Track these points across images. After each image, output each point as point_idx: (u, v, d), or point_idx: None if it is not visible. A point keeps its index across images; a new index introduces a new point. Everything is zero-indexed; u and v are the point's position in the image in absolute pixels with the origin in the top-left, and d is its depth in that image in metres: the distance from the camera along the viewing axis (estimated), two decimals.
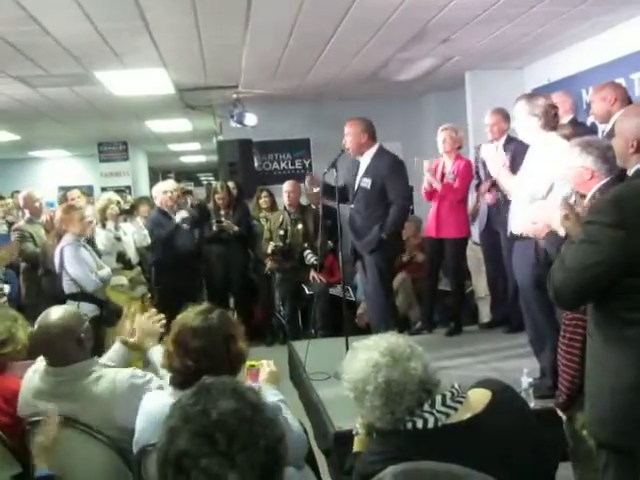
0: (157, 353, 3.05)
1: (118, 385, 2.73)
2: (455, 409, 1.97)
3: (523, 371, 4.14)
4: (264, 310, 8.15)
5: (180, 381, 2.41)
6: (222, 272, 7.72)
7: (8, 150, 13.65)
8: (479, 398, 2.03)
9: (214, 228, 7.59)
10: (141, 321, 3.13)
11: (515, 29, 6.00)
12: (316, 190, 5.74)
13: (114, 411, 2.69)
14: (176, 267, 6.86)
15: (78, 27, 5.18)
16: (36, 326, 2.87)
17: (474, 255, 6.97)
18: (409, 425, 1.97)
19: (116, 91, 7.70)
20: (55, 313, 2.89)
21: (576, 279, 2.35)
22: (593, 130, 5.36)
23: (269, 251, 7.49)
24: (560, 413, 3.29)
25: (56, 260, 5.58)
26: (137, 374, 2.81)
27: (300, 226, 7.44)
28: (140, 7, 4.81)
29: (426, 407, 1.96)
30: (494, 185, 5.95)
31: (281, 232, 7.45)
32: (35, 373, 2.88)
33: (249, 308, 7.96)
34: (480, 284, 6.95)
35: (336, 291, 7.46)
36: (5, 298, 5.83)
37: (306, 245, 7.36)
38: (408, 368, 1.98)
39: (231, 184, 8.08)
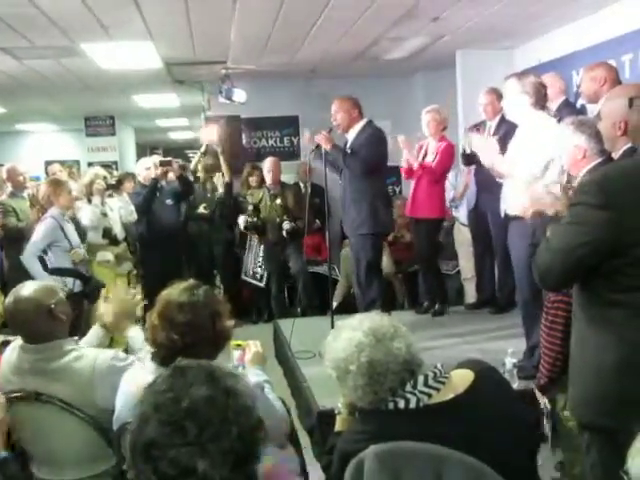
0: (135, 333, 3.02)
1: (98, 366, 2.70)
2: (437, 389, 1.96)
3: (507, 352, 4.16)
4: (250, 288, 8.14)
5: (163, 355, 2.39)
6: (205, 249, 7.70)
7: None
8: (462, 379, 2.02)
9: (201, 209, 7.57)
10: (118, 301, 3.08)
11: (506, 9, 5.95)
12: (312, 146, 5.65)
13: (93, 392, 2.67)
14: (160, 243, 6.81)
15: None
16: (6, 301, 2.84)
17: (461, 236, 6.98)
18: (391, 405, 1.96)
19: (103, 64, 7.60)
20: (26, 288, 2.85)
21: (561, 260, 2.34)
22: (582, 112, 5.34)
23: (242, 227, 7.46)
24: (539, 396, 3.29)
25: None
26: (119, 356, 2.79)
27: (278, 201, 7.40)
28: None
29: (408, 387, 1.95)
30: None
31: (250, 207, 7.41)
32: (14, 350, 2.85)
33: (235, 285, 7.94)
34: (467, 265, 6.96)
35: (322, 269, 7.45)
36: None
37: (285, 217, 7.31)
38: (391, 348, 1.97)
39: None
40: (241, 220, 7.45)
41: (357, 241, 5.57)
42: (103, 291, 3.28)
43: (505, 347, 4.29)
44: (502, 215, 4.58)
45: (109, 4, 5.39)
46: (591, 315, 2.38)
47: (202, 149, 8.12)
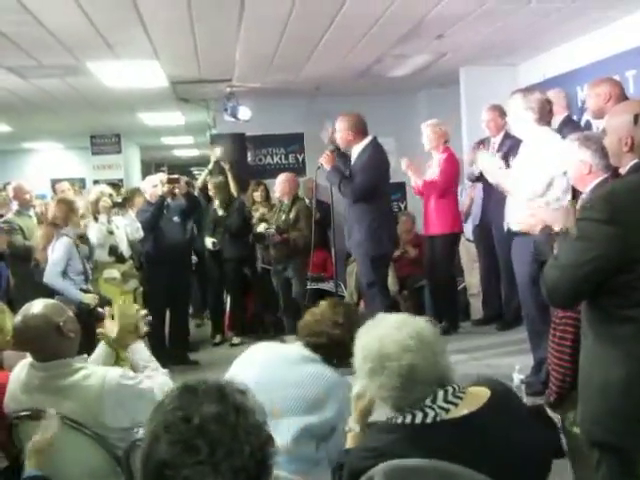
0: (139, 351, 3.01)
1: (107, 384, 2.69)
2: (455, 405, 1.96)
3: (515, 368, 4.13)
4: (256, 304, 8.12)
5: (316, 343, 2.72)
6: (214, 265, 7.68)
7: (0, 142, 13.57)
8: (477, 396, 2.02)
9: (209, 245, 7.58)
10: (122, 316, 3.07)
11: (510, 25, 5.98)
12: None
13: (102, 409, 2.66)
14: (167, 260, 6.80)
15: (71, 17, 5.15)
16: (15, 320, 2.85)
17: (466, 252, 6.97)
18: (408, 418, 1.95)
19: (109, 83, 7.65)
20: (35, 306, 2.85)
21: (569, 277, 2.34)
22: (587, 128, 5.35)
23: (260, 231, 7.44)
24: (550, 413, 3.27)
25: (50, 252, 5.52)
26: (127, 375, 2.78)
27: (284, 217, 7.38)
28: None
29: (427, 402, 1.95)
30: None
31: (256, 216, 7.41)
32: (23, 368, 2.85)
33: (243, 302, 7.92)
34: (472, 281, 6.95)
35: (328, 286, 7.44)
36: None
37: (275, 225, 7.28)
38: (434, 361, 1.97)
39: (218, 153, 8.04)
40: (261, 227, 7.42)
41: (358, 260, 5.60)
42: (107, 309, 3.25)
43: (512, 363, 4.27)
44: (505, 231, 4.58)
45: (115, 23, 5.44)
46: (599, 331, 2.37)
47: (210, 166, 8.13)
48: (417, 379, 1.94)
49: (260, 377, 2.58)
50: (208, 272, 7.87)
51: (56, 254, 5.45)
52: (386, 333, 2.00)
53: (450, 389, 1.98)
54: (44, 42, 5.80)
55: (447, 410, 1.94)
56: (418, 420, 1.94)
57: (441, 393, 1.96)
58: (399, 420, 1.97)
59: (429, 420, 1.93)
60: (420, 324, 2.04)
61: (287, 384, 2.62)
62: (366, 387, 2.07)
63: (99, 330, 3.12)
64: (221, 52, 6.73)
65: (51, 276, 5.39)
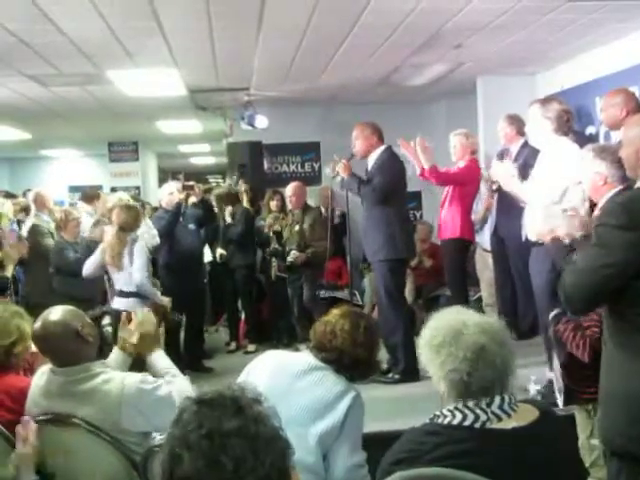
0: (159, 358, 3.03)
1: (126, 388, 2.71)
2: (508, 415, 1.95)
3: (530, 379, 4.13)
4: (270, 312, 8.12)
5: (330, 359, 2.70)
6: (227, 273, 7.70)
7: (19, 149, 13.69)
8: (526, 413, 2.00)
9: (218, 256, 7.62)
10: (143, 323, 3.10)
11: (529, 36, 5.98)
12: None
13: (120, 414, 2.68)
14: (182, 267, 6.83)
15: (91, 26, 5.21)
16: (35, 326, 2.88)
17: (482, 261, 6.95)
18: (457, 419, 1.94)
19: (128, 91, 7.72)
20: (54, 312, 2.89)
21: (586, 282, 2.35)
22: (606, 140, 5.34)
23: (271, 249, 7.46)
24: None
25: (127, 257, 5.50)
26: (147, 379, 2.81)
27: (297, 227, 7.39)
28: (154, 7, 4.82)
29: (483, 404, 1.94)
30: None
31: (270, 232, 7.43)
32: (44, 373, 2.88)
33: (257, 309, 7.94)
34: (488, 290, 6.92)
35: (343, 294, 7.44)
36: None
37: (294, 246, 7.27)
38: (504, 362, 2.00)
39: (244, 186, 8.08)
40: (290, 255, 7.42)
41: (376, 267, 5.61)
42: (123, 315, 3.27)
43: (528, 374, 4.26)
44: (523, 240, 4.58)
45: (135, 32, 5.49)
46: (619, 339, 2.37)
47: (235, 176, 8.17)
48: (486, 360, 1.94)
49: (267, 386, 2.57)
50: (221, 280, 7.88)
51: (140, 259, 5.45)
52: (468, 319, 2.02)
53: (507, 398, 1.97)
54: (65, 51, 5.87)
55: (499, 418, 1.93)
56: (467, 422, 1.93)
57: (498, 399, 1.95)
58: (446, 420, 1.96)
59: (478, 425, 1.92)
60: (504, 330, 2.07)
61: (293, 393, 2.62)
62: (429, 360, 2.04)
63: (120, 335, 3.14)
64: (239, 61, 6.77)
65: (143, 281, 5.42)
